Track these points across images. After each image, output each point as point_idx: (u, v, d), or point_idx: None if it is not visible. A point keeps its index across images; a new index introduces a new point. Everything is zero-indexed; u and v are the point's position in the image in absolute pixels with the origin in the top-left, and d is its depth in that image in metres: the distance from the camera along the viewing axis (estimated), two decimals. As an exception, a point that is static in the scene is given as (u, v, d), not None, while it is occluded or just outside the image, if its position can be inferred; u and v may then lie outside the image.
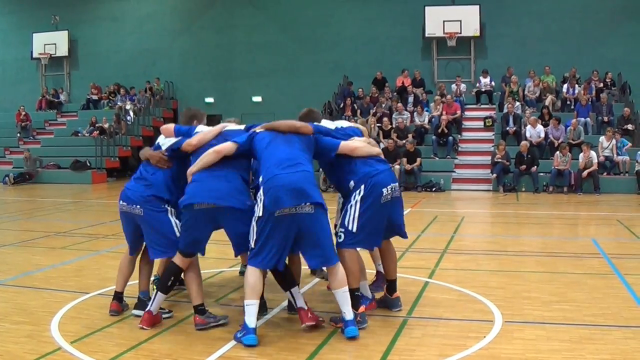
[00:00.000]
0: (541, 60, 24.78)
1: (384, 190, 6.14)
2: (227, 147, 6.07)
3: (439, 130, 22.32)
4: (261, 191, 5.75)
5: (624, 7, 24.93)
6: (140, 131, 27.77)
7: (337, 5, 27.99)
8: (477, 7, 25.81)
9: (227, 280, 8.05)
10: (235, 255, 6.38)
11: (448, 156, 22.17)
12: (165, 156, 6.34)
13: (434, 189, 20.15)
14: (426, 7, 26.16)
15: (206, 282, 7.77)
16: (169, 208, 6.26)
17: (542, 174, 19.98)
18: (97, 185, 23.87)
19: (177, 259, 6.09)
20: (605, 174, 19.81)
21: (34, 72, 32.22)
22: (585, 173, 19.13)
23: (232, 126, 6.52)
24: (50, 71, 32.01)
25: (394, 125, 22.50)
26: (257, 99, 28.45)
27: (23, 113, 28.79)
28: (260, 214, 5.70)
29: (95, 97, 30.15)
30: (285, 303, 6.74)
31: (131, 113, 27.53)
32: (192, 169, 6.06)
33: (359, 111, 24.10)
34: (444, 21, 26.09)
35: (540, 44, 25.49)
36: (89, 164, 24.96)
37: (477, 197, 19.15)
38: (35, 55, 31.49)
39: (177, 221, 6.22)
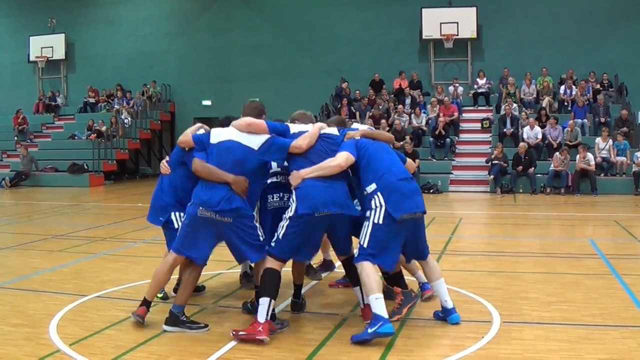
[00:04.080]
0: (538, 62, 24.81)
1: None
2: (348, 159, 6.06)
3: (437, 132, 22.36)
4: (380, 198, 5.90)
5: (620, 9, 24.93)
6: (137, 134, 27.74)
7: (334, 8, 27.98)
8: (474, 9, 25.79)
9: (225, 283, 8.04)
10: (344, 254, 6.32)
11: (445, 158, 22.18)
12: (247, 183, 5.93)
13: (431, 191, 20.14)
14: (423, 9, 26.12)
15: (204, 283, 7.78)
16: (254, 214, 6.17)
17: (539, 175, 20.01)
18: (94, 188, 23.82)
19: (273, 263, 5.95)
20: (602, 174, 19.84)
21: (31, 75, 32.15)
22: (581, 165, 19.11)
23: (327, 127, 6.35)
24: (47, 74, 31.93)
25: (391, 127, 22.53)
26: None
27: (21, 116, 28.75)
28: (380, 221, 5.86)
29: (92, 100, 30.10)
30: (285, 304, 6.76)
31: (128, 117, 27.49)
32: (308, 174, 5.91)
33: (357, 113, 24.13)
34: (440, 23, 26.06)
35: (537, 46, 25.50)
36: (86, 167, 24.92)
37: (474, 199, 19.16)
38: (32, 58, 31.41)
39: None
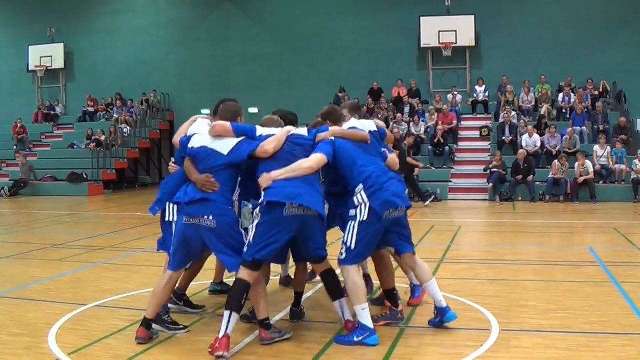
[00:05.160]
0: (536, 70, 24.89)
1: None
2: (320, 161, 6.03)
3: (435, 140, 22.38)
4: (364, 196, 5.96)
5: (618, 17, 25.02)
6: (136, 143, 27.76)
7: (332, 17, 28.06)
8: (472, 17, 25.89)
9: (223, 292, 8.02)
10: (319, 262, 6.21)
11: (444, 166, 22.20)
12: (212, 179, 5.89)
13: (431, 199, 20.12)
14: (421, 18, 26.22)
15: (201, 294, 7.78)
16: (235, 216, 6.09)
17: (538, 183, 20.02)
18: (93, 197, 23.81)
19: (244, 274, 5.77)
20: (601, 182, 19.85)
21: (30, 84, 32.20)
22: (580, 179, 19.16)
23: (294, 129, 6.31)
24: (46, 84, 31.98)
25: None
26: (253, 110, 28.32)
27: (20, 125, 28.78)
28: (365, 218, 5.92)
29: (91, 110, 30.15)
30: (283, 314, 6.76)
31: (127, 127, 27.51)
32: (279, 176, 5.86)
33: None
34: (439, 31, 26.14)
35: (536, 54, 25.58)
36: (85, 176, 24.92)
37: (473, 207, 19.15)
38: (31, 67, 31.47)
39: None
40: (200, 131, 6.26)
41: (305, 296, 7.37)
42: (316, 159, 6.02)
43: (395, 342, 5.96)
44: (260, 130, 6.22)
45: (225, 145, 6.03)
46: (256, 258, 5.76)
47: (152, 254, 10.99)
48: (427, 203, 18.83)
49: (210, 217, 5.82)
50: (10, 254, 11.36)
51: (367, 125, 6.64)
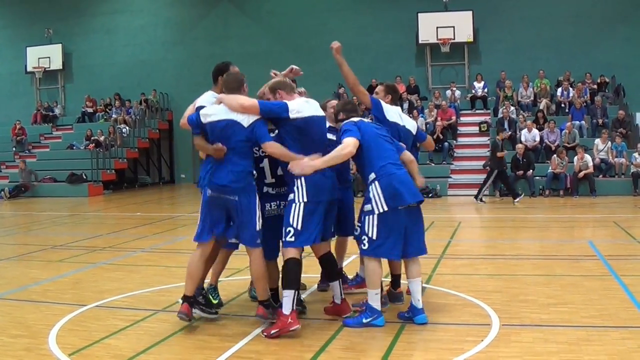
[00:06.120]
0: (535, 65, 24.86)
1: None
2: (356, 144, 6.18)
3: (435, 136, 22.36)
4: (378, 187, 6.06)
5: (616, 12, 24.98)
6: (136, 143, 27.76)
7: (330, 14, 28.03)
8: (470, 12, 25.85)
9: (224, 291, 7.99)
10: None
11: (444, 162, 22.22)
12: (219, 145, 6.04)
13: (430, 195, 20.12)
14: (419, 14, 26.18)
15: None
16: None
17: (537, 177, 20.02)
18: (93, 198, 23.81)
19: (295, 253, 6.07)
20: (600, 176, 19.86)
21: (29, 86, 32.18)
22: (581, 174, 19.17)
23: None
24: (45, 85, 31.96)
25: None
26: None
27: (19, 127, 28.76)
28: (384, 209, 6.01)
29: (90, 110, 30.12)
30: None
31: (126, 127, 27.51)
32: (320, 165, 5.99)
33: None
34: (437, 27, 26.11)
35: (534, 49, 25.55)
36: (85, 177, 24.91)
37: (473, 202, 19.10)
38: (29, 69, 31.43)
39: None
40: (209, 103, 6.42)
41: (306, 293, 7.40)
42: (352, 143, 6.15)
43: (396, 337, 5.96)
44: (295, 111, 6.15)
45: (245, 117, 6.10)
46: (315, 242, 6.14)
47: (151, 254, 11.02)
48: (516, 200, 18.21)
49: (236, 198, 6.03)
50: (10, 256, 11.36)
51: (410, 124, 7.12)
